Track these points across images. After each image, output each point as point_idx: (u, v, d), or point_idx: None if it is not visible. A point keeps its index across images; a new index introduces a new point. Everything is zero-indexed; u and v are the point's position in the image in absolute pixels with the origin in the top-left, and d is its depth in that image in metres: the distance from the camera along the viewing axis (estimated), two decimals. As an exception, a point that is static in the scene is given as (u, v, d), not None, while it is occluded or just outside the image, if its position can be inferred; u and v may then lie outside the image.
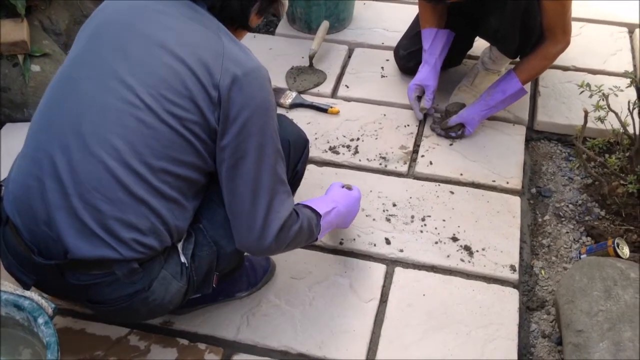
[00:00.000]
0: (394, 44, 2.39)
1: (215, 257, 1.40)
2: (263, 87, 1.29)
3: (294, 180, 1.58)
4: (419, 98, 2.17)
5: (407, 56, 2.29)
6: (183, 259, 1.35)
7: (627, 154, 1.84)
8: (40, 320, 1.26)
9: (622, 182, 1.84)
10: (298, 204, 1.51)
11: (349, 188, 1.71)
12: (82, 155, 1.23)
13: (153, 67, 1.23)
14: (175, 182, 1.28)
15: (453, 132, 2.11)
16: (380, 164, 2.06)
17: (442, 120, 2.14)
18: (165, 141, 1.23)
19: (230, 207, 1.34)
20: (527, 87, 2.17)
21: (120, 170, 1.22)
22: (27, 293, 1.30)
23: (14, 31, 2.17)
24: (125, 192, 1.23)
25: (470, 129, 2.10)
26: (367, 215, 1.89)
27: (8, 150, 2.01)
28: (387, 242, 1.81)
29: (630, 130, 1.83)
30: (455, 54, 2.31)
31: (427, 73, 2.12)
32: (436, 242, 1.82)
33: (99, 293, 1.30)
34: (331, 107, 2.24)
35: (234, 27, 1.36)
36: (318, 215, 1.51)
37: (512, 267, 1.74)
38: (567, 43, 1.96)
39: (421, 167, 2.05)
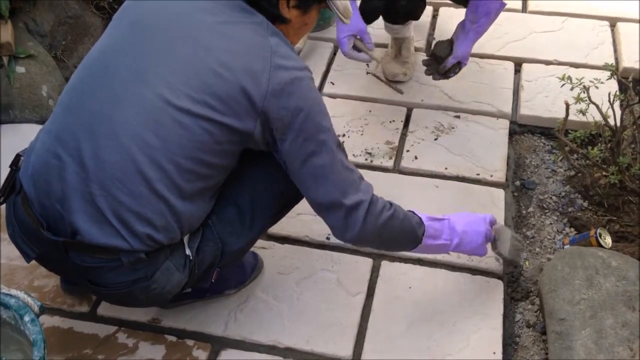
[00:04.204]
0: (379, 40, 2.40)
1: (219, 253, 1.41)
2: (310, 88, 1.31)
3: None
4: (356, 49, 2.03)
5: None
6: (188, 252, 1.36)
7: (608, 146, 1.86)
8: (27, 318, 1.26)
9: (604, 173, 1.87)
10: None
11: None
12: (110, 143, 1.23)
13: (197, 70, 1.23)
14: (198, 182, 1.29)
15: (452, 73, 2.07)
16: (366, 160, 2.08)
17: (434, 65, 2.07)
18: (198, 143, 1.24)
19: (312, 201, 1.37)
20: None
21: (148, 165, 1.23)
22: (13, 291, 1.30)
23: (-2, 33, 2.17)
24: (147, 187, 1.24)
25: (465, 62, 2.05)
26: (353, 210, 1.90)
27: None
28: (373, 236, 1.82)
29: (611, 122, 1.85)
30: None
31: (357, 18, 1.96)
32: (422, 236, 1.83)
33: (101, 276, 1.31)
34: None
35: (271, 20, 1.32)
36: (419, 217, 1.49)
37: (497, 259, 1.76)
38: None
39: (406, 161, 2.07)
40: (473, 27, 1.98)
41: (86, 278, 1.33)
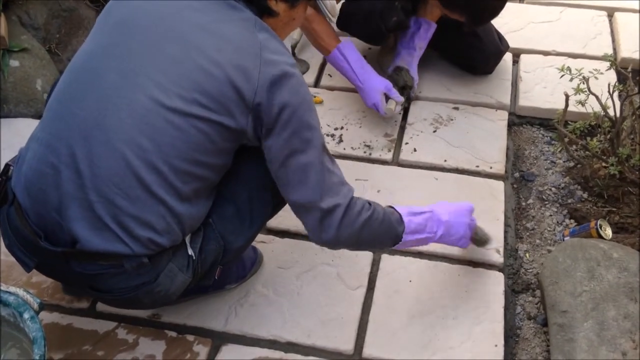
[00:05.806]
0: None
1: (221, 251, 1.40)
2: (300, 84, 1.29)
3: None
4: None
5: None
6: (190, 252, 1.35)
7: (608, 137, 1.85)
8: (26, 316, 1.25)
9: (603, 164, 1.86)
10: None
11: None
12: (105, 149, 1.21)
13: (187, 70, 1.22)
14: (195, 182, 1.28)
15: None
16: (365, 152, 2.07)
17: (402, 93, 2.11)
18: (192, 144, 1.23)
19: (289, 200, 1.35)
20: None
21: (143, 168, 1.21)
22: (12, 288, 1.29)
23: (-8, 26, 2.14)
24: (145, 191, 1.22)
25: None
26: (352, 204, 1.89)
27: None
28: (373, 229, 1.82)
29: (611, 112, 1.84)
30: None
31: (378, 78, 2.03)
32: (422, 228, 1.82)
33: (104, 283, 1.30)
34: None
35: (260, 14, 1.31)
36: (399, 214, 1.45)
37: (497, 251, 1.76)
38: None
39: (405, 154, 2.06)
40: (419, 52, 2.13)
41: (88, 285, 1.32)
